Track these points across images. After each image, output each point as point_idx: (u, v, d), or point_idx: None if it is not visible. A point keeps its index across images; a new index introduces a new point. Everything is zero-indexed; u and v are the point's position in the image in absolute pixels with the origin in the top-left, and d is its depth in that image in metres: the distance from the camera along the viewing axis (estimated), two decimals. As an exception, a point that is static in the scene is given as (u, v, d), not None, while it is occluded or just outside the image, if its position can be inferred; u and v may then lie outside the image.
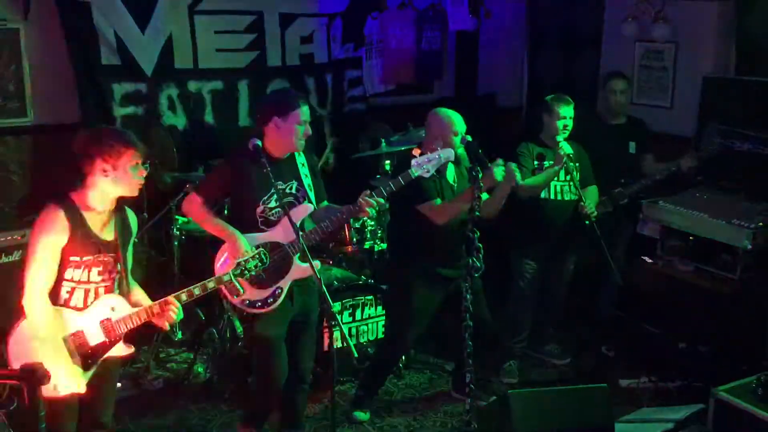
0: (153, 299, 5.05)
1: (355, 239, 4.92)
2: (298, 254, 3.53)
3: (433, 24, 6.65)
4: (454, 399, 4.58)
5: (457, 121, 4.02)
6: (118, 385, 4.48)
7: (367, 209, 3.48)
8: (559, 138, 4.51)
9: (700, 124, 5.48)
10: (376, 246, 5.00)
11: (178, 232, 4.83)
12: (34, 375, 2.77)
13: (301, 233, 3.39)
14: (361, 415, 4.35)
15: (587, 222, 4.39)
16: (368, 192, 3.50)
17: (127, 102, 5.27)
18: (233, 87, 5.70)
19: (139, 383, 4.63)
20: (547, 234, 4.71)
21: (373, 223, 4.93)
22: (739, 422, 3.60)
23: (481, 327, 4.08)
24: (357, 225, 4.89)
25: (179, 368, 4.86)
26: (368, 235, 4.94)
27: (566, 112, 4.54)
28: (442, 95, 7.08)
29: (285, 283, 3.55)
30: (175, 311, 3.19)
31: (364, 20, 6.32)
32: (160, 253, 5.16)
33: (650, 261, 4.96)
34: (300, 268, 3.55)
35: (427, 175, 3.62)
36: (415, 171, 3.58)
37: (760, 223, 4.41)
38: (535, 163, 4.61)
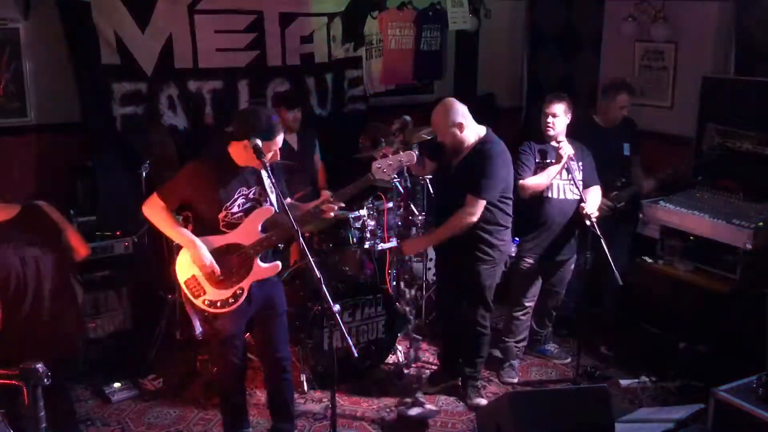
0: (152, 300, 5.08)
1: (354, 239, 4.91)
2: (259, 256, 3.58)
3: (433, 24, 6.65)
4: (455, 399, 4.59)
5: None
6: (118, 384, 4.54)
7: (330, 213, 3.59)
8: (557, 136, 4.53)
9: (699, 124, 5.49)
10: (376, 246, 5.00)
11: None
12: (34, 375, 2.77)
13: (267, 238, 3.53)
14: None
15: (587, 222, 4.40)
16: (330, 197, 3.60)
17: (126, 102, 5.26)
18: (233, 87, 5.70)
19: (139, 383, 4.64)
20: (549, 233, 4.71)
21: (373, 222, 4.92)
22: (738, 422, 3.60)
23: None
24: (358, 225, 4.89)
25: (179, 368, 4.86)
26: (368, 235, 4.94)
27: (552, 108, 4.55)
28: (441, 95, 7.08)
29: (246, 284, 3.60)
30: None
31: (364, 20, 6.31)
32: (159, 253, 5.15)
33: (650, 261, 4.97)
34: (261, 270, 3.60)
35: (386, 178, 3.67)
36: (375, 174, 3.65)
37: (760, 223, 4.41)
38: (537, 162, 4.63)
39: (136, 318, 4.96)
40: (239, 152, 3.52)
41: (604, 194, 4.84)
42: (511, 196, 4.33)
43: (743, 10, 5.41)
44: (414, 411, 4.34)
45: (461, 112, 4.20)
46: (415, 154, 3.73)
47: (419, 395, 4.44)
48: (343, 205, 3.66)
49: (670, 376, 4.68)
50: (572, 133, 4.66)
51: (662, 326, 5.09)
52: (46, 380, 2.72)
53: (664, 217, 4.87)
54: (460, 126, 4.18)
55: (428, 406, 4.38)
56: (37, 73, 5.04)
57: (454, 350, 4.72)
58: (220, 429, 4.18)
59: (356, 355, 3.33)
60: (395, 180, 4.43)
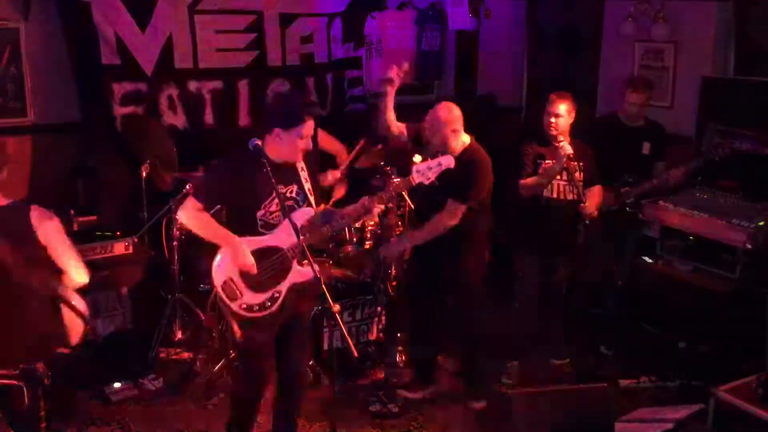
0: (152, 300, 5.06)
1: (354, 239, 4.91)
2: (297, 259, 3.52)
3: (433, 24, 6.66)
4: (456, 399, 4.60)
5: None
6: (118, 384, 4.55)
7: (371, 214, 3.56)
8: (560, 136, 4.53)
9: (699, 124, 5.49)
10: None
11: (178, 232, 4.83)
12: (34, 376, 2.79)
13: (301, 237, 3.38)
14: None
15: (587, 222, 4.39)
16: (370, 197, 3.54)
17: (127, 101, 5.27)
18: (233, 87, 5.70)
19: (139, 383, 4.64)
20: (550, 233, 4.71)
21: (372, 223, 4.92)
22: (739, 422, 3.60)
23: None
24: (357, 225, 4.89)
25: (179, 368, 4.87)
26: (368, 236, 4.94)
27: (556, 108, 4.55)
28: (442, 95, 7.09)
29: (283, 287, 3.53)
30: None
31: (364, 20, 6.32)
32: (160, 253, 5.16)
33: (650, 261, 4.96)
34: (299, 273, 3.54)
35: (427, 182, 3.64)
36: (416, 177, 3.62)
37: (760, 223, 4.41)
38: (537, 161, 4.63)
39: (136, 318, 4.96)
40: (277, 147, 3.42)
41: (614, 190, 4.86)
42: (490, 200, 4.37)
43: (743, 10, 5.41)
44: (374, 407, 4.40)
45: (460, 119, 4.23)
46: (452, 158, 3.70)
47: (382, 393, 4.46)
48: (383, 207, 3.63)
49: (670, 376, 4.68)
50: (595, 128, 4.63)
51: (662, 326, 5.09)
52: (46, 380, 2.73)
53: (663, 216, 4.86)
54: (455, 132, 4.20)
55: (390, 406, 4.41)
56: (37, 73, 5.05)
57: (431, 356, 4.72)
58: (220, 429, 4.19)
59: (356, 355, 3.33)
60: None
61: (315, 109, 3.53)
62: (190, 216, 3.49)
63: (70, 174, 5.22)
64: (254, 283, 3.46)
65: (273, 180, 3.34)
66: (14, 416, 3.41)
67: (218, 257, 3.51)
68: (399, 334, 4.95)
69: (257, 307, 3.50)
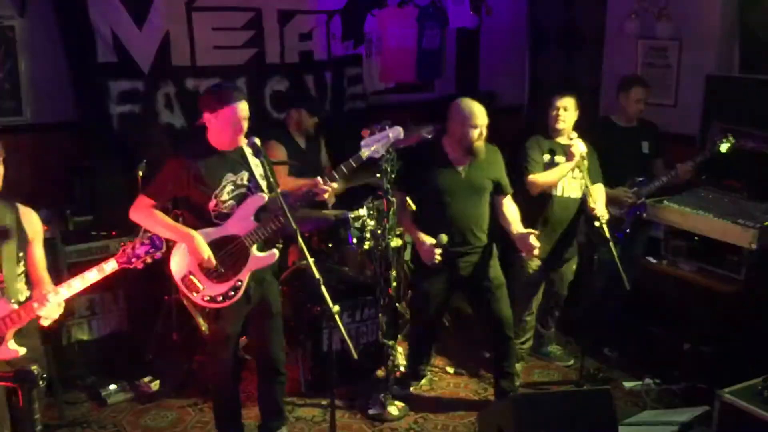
0: (148, 301, 5.01)
1: (355, 239, 4.86)
2: (256, 245, 3.54)
3: (434, 22, 6.62)
4: (456, 401, 4.53)
5: (478, 114, 4.08)
6: (114, 386, 4.50)
7: (324, 195, 3.59)
8: (564, 130, 4.51)
9: (703, 123, 5.45)
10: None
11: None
12: (29, 377, 2.73)
13: (262, 226, 3.50)
14: None
15: (597, 223, 4.30)
16: (321, 178, 3.57)
17: (123, 100, 5.21)
18: (231, 85, 5.65)
19: (135, 386, 4.59)
20: (553, 231, 4.65)
21: (373, 222, 4.87)
22: (744, 424, 3.56)
23: None
24: (357, 225, 4.84)
25: (175, 370, 4.81)
26: (368, 235, 4.89)
27: (560, 102, 4.53)
28: (443, 93, 7.04)
29: (244, 276, 3.55)
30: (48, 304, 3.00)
31: (364, 17, 6.28)
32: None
33: (654, 261, 4.92)
34: (258, 259, 3.56)
35: (377, 156, 3.66)
36: (365, 152, 3.63)
37: (765, 223, 4.37)
38: (547, 157, 4.57)
39: (132, 319, 4.92)
40: (215, 134, 3.50)
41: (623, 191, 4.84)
42: None
43: (747, 7, 5.37)
44: (373, 410, 4.38)
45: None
46: (401, 129, 3.71)
47: (383, 396, 4.40)
48: (335, 186, 3.64)
49: (675, 378, 4.64)
50: (590, 132, 4.62)
51: (666, 327, 5.05)
52: (41, 382, 2.68)
53: (668, 216, 4.82)
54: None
55: (389, 408, 4.37)
56: (32, 71, 4.99)
57: (427, 352, 4.74)
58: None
59: (356, 357, 3.29)
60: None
61: (241, 93, 3.59)
62: (143, 215, 3.54)
63: (66, 173, 5.17)
64: (214, 274, 3.49)
65: (222, 169, 3.44)
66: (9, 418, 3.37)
67: (175, 252, 3.53)
68: (400, 336, 4.90)
69: (220, 297, 3.53)
